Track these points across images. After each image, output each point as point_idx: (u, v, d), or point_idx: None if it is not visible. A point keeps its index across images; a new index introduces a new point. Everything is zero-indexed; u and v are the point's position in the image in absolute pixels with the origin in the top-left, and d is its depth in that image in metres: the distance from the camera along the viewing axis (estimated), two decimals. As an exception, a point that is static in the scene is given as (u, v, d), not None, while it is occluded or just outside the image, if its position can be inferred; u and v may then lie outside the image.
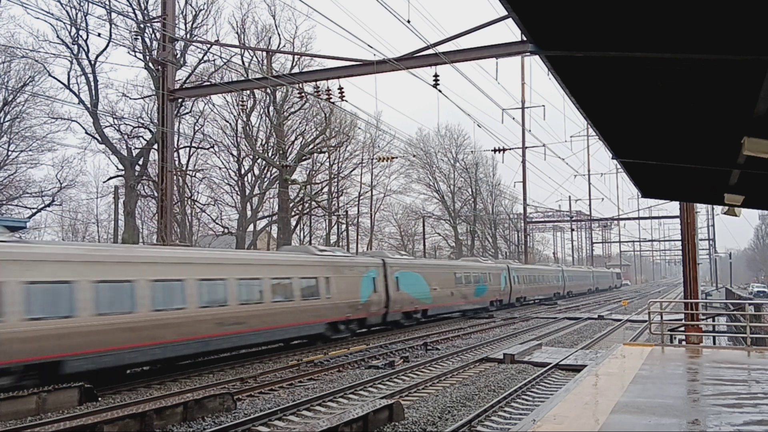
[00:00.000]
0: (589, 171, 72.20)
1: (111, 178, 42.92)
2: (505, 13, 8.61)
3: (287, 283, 20.98)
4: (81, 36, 36.77)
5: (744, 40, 4.01)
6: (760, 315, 20.84)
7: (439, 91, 21.60)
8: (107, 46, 36.83)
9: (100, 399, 13.50)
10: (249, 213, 45.98)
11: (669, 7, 3.70)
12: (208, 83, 36.16)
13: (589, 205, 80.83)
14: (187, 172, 42.23)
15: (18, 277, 13.10)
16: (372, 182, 58.52)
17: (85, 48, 37.11)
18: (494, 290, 40.83)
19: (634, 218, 75.39)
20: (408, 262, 31.32)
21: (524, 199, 65.52)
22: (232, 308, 18.22)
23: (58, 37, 37.12)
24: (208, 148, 44.23)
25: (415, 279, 29.76)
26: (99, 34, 31.94)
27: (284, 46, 42.89)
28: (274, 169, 45.00)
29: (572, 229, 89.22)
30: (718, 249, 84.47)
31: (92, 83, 36.99)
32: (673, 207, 57.94)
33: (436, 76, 21.15)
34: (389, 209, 66.75)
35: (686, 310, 18.32)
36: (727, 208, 11.43)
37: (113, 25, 35.63)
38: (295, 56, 40.93)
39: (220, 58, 37.18)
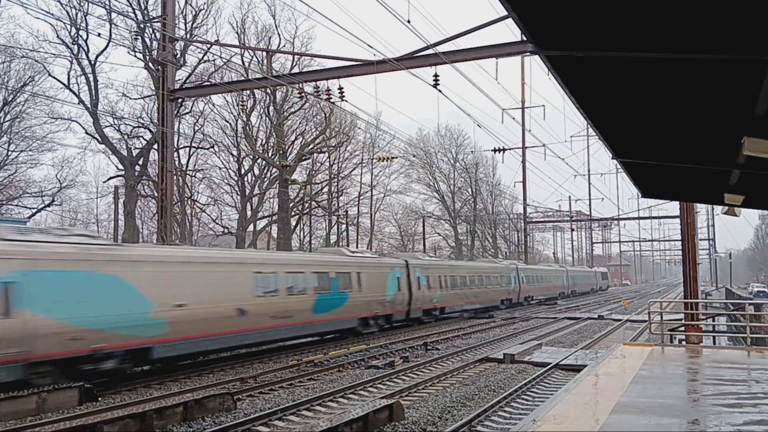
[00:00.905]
0: (589, 171, 72.30)
1: (111, 178, 43.00)
2: (505, 13, 8.62)
3: None
4: (81, 36, 36.85)
5: (744, 40, 4.01)
6: (760, 315, 20.83)
7: (439, 91, 21.62)
8: (107, 46, 36.94)
9: (100, 399, 13.49)
10: (249, 213, 46.00)
11: (669, 7, 3.70)
12: (208, 83, 36.18)
13: (589, 205, 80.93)
14: (187, 172, 42.26)
15: None
16: (372, 182, 58.63)
17: (85, 48, 37.20)
18: (370, 301, 25.90)
19: (634, 218, 75.47)
20: (75, 249, 14.57)
21: (524, 199, 65.59)
22: None
23: (58, 37, 37.21)
24: (208, 148, 44.29)
25: (100, 287, 14.70)
26: (99, 34, 32.01)
27: (284, 46, 42.97)
28: (274, 169, 45.03)
29: (572, 229, 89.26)
30: (718, 249, 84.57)
31: (92, 83, 37.05)
32: (673, 207, 57.93)
33: (436, 76, 21.16)
34: (389, 209, 66.86)
35: (686, 310, 18.33)
36: (727, 208, 11.43)
37: (113, 25, 35.71)
38: (295, 56, 40.97)
39: (220, 58, 37.24)
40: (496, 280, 42.16)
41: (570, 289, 62.55)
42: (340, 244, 51.67)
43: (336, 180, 52.44)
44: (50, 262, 13.84)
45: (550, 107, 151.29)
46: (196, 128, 43.52)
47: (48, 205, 40.89)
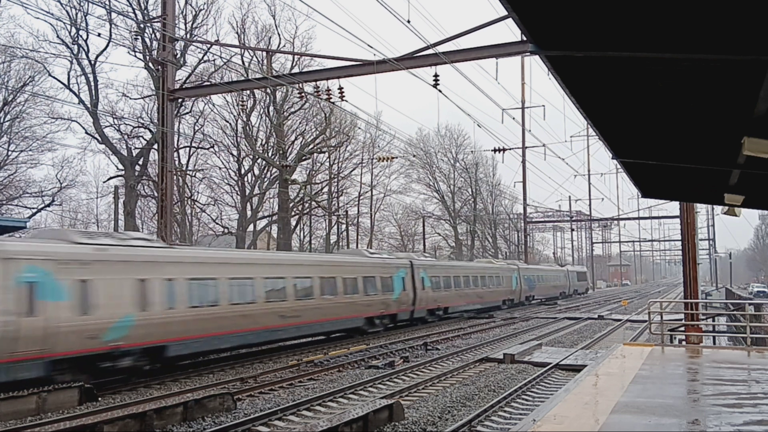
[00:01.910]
0: (589, 171, 72.24)
1: (111, 178, 42.99)
2: (505, 13, 8.62)
3: None
4: (81, 36, 36.86)
5: (744, 40, 4.01)
6: (760, 315, 20.83)
7: (439, 91, 21.60)
8: (107, 46, 36.94)
9: (100, 399, 13.50)
10: (249, 213, 46.00)
11: (669, 7, 3.70)
12: (208, 83, 36.18)
13: (589, 205, 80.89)
14: (187, 172, 42.27)
15: None
16: (372, 182, 58.65)
17: (85, 48, 37.20)
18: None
19: (634, 218, 75.46)
20: None
21: (524, 199, 65.60)
22: None
23: (58, 37, 37.22)
24: (208, 148, 44.29)
25: None
26: (99, 34, 32.02)
27: (284, 46, 42.97)
28: (274, 169, 45.03)
29: (572, 229, 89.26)
30: (718, 249, 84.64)
31: (92, 83, 37.05)
32: (673, 207, 57.82)
33: (436, 76, 21.15)
34: (389, 209, 66.89)
35: (686, 310, 18.33)
36: (727, 208, 11.43)
37: (113, 25, 35.70)
38: (295, 56, 40.97)
39: (220, 58, 37.23)
40: (352, 285, 24.48)
41: (523, 294, 47.31)
42: (340, 244, 51.67)
43: (336, 180, 52.45)
44: None
45: (550, 107, 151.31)
46: (196, 128, 43.59)
47: (48, 205, 40.86)
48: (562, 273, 62.08)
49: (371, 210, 60.21)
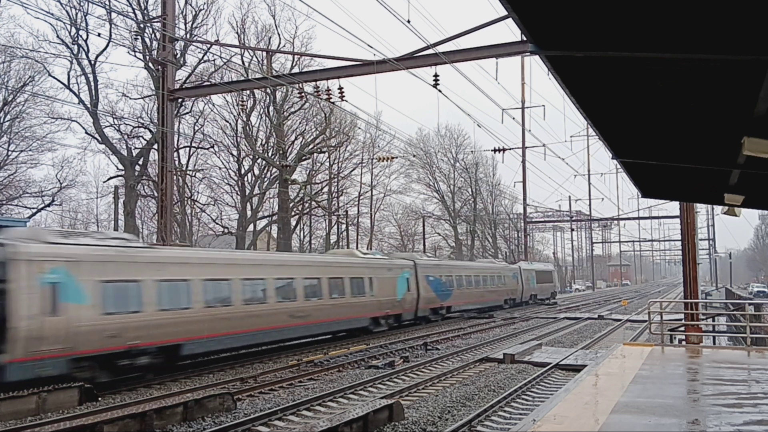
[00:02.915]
0: (589, 171, 72.28)
1: (111, 178, 43.02)
2: (505, 13, 8.62)
3: None
4: (81, 36, 36.89)
5: (744, 40, 4.01)
6: (760, 315, 20.82)
7: (439, 91, 21.60)
8: (107, 46, 36.98)
9: (100, 399, 13.49)
10: (249, 213, 46.00)
11: (669, 7, 3.70)
12: (208, 83, 36.18)
13: (589, 205, 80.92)
14: (187, 172, 42.25)
15: None
16: (372, 182, 58.65)
17: (85, 48, 37.23)
18: None
19: (634, 218, 75.44)
20: None
21: (524, 199, 65.60)
22: None
23: (58, 37, 37.25)
24: (208, 148, 44.29)
25: None
26: (99, 34, 32.03)
27: (284, 46, 42.98)
28: (274, 169, 45.04)
29: (572, 229, 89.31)
30: (718, 249, 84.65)
31: (92, 83, 37.07)
32: (673, 207, 57.83)
33: (436, 76, 21.14)
34: (389, 209, 66.89)
35: (686, 310, 18.33)
36: (727, 208, 11.43)
37: (113, 25, 35.71)
38: (295, 56, 40.98)
39: (220, 58, 37.24)
40: None
41: (426, 304, 30.83)
42: (340, 244, 51.66)
43: (336, 180, 52.46)
44: None
45: (550, 107, 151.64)
46: (196, 128, 43.60)
47: (48, 205, 40.91)
48: (510, 273, 44.51)
49: (371, 210, 60.24)
